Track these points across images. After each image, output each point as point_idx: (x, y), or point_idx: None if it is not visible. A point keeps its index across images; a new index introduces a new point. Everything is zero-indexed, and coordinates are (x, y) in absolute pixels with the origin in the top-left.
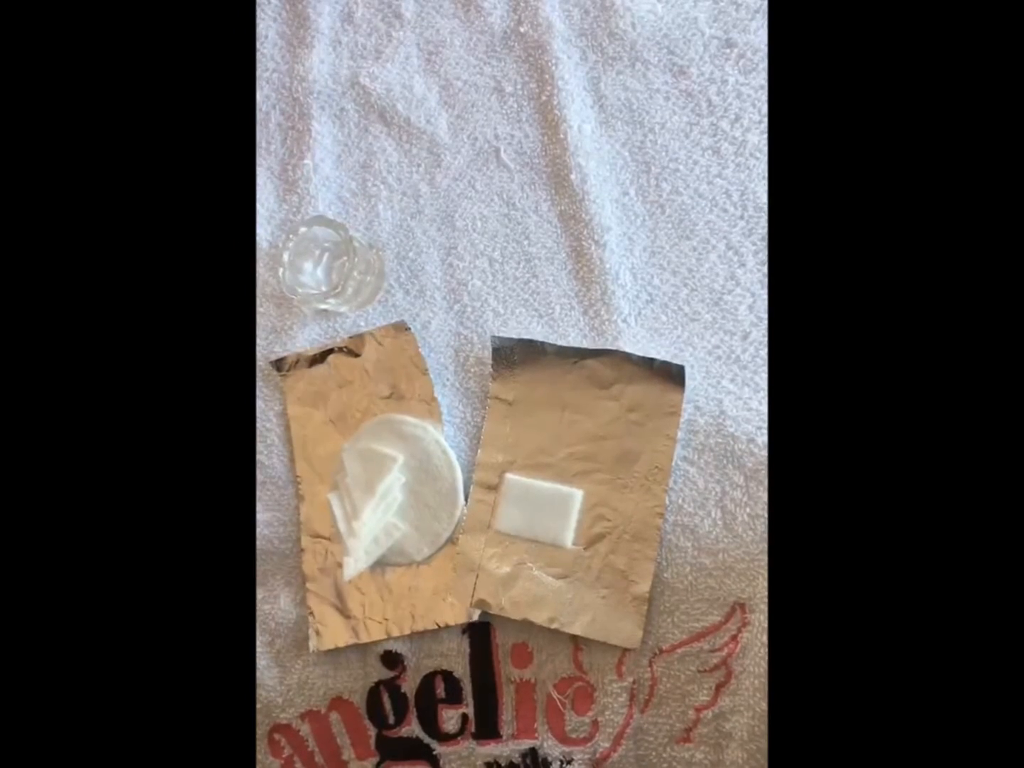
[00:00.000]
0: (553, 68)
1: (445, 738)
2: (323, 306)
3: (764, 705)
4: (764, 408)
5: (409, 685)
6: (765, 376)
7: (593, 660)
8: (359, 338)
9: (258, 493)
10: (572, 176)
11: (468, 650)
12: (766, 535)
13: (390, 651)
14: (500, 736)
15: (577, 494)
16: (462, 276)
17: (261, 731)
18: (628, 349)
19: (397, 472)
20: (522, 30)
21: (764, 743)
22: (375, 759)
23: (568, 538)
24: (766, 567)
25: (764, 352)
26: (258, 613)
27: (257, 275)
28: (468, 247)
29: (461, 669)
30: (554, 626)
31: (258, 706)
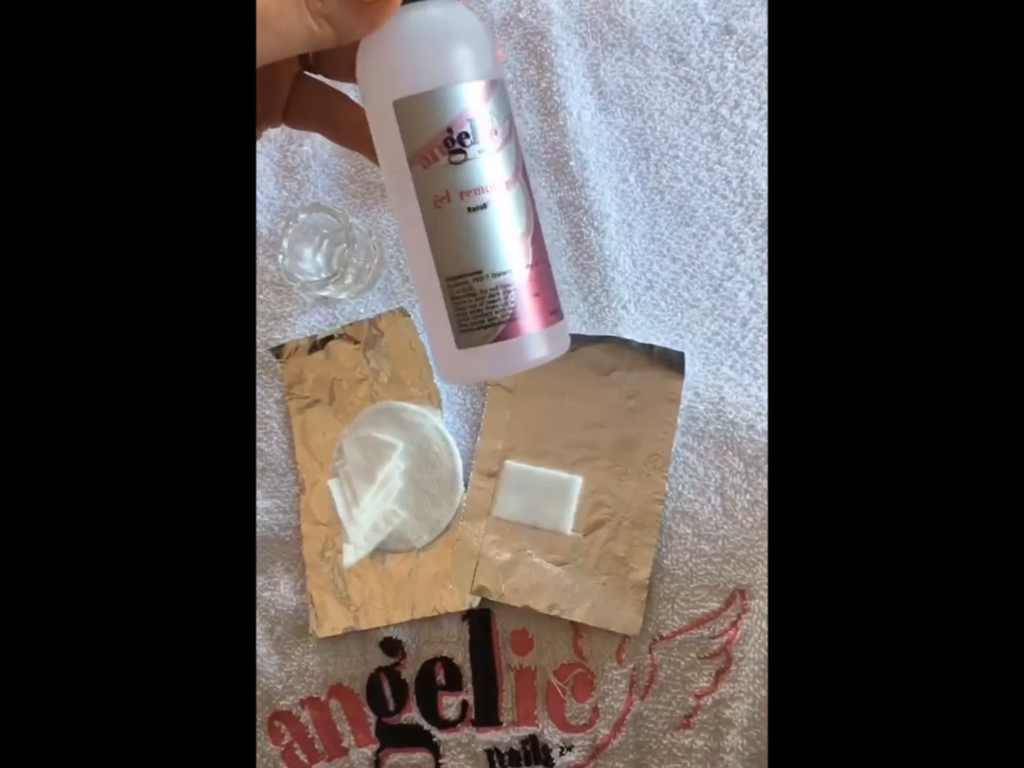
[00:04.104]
0: (552, 55)
1: (445, 725)
2: (322, 293)
3: (764, 692)
4: (764, 395)
5: (409, 672)
6: (765, 363)
7: (593, 647)
8: (359, 325)
9: (258, 480)
10: (571, 163)
11: (468, 637)
12: (766, 521)
13: (390, 638)
14: (500, 723)
15: (577, 481)
16: None
17: (261, 718)
18: (628, 336)
19: (397, 459)
20: (521, 16)
21: (764, 730)
22: (375, 746)
23: (568, 525)
24: (766, 553)
25: (764, 339)
26: (258, 600)
27: (256, 262)
28: None
29: (461, 656)
30: (554, 613)
31: (258, 693)
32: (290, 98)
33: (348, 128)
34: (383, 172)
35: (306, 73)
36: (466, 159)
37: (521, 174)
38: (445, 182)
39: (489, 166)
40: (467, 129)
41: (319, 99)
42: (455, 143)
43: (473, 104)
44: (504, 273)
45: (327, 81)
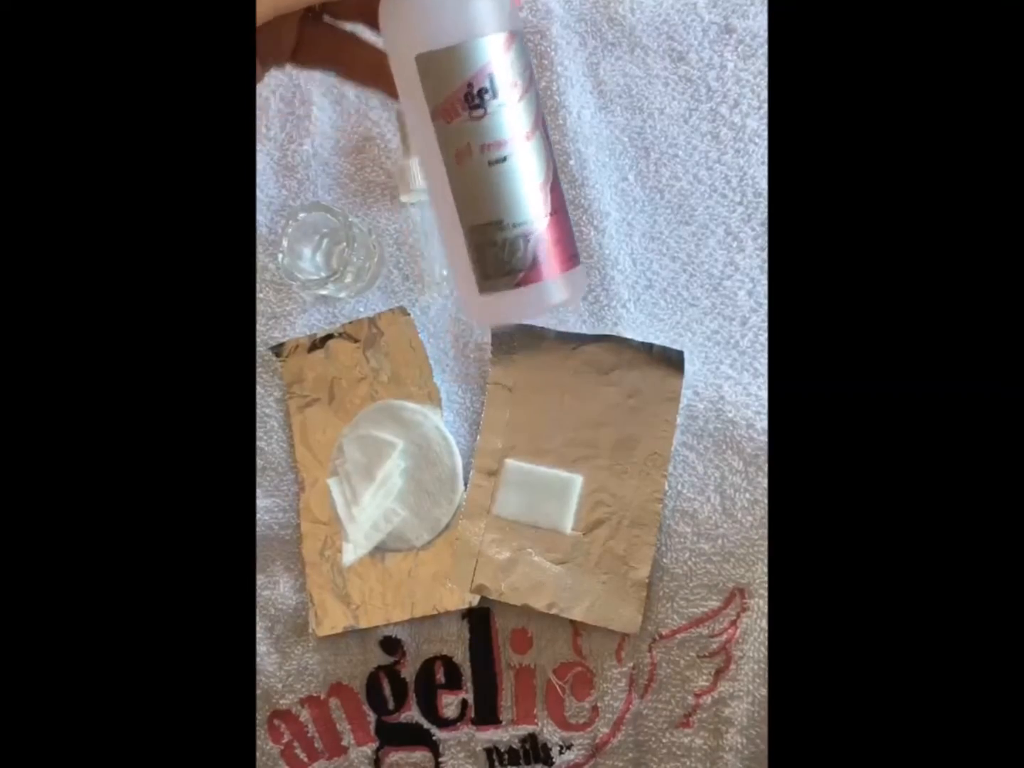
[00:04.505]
0: (552, 54)
1: (445, 723)
2: (322, 292)
3: (764, 691)
4: (763, 393)
5: (409, 671)
6: (764, 361)
7: (592, 645)
8: (358, 323)
9: (258, 479)
10: (571, 162)
11: (468, 635)
12: (765, 520)
13: (389, 636)
14: (500, 721)
15: (577, 479)
16: None
17: (261, 717)
18: (627, 334)
19: (396, 458)
20: (521, 15)
21: (764, 728)
22: (375, 744)
23: (567, 524)
24: (765, 552)
25: (763, 337)
26: (258, 599)
27: (256, 261)
28: None
29: (461, 654)
30: (554, 611)
31: (258, 692)
32: (298, 39)
33: (362, 66)
34: (408, 121)
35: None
36: (486, 114)
37: (540, 124)
38: (466, 136)
39: (509, 119)
40: (486, 84)
41: (328, 39)
42: (475, 98)
43: (494, 57)
44: (524, 223)
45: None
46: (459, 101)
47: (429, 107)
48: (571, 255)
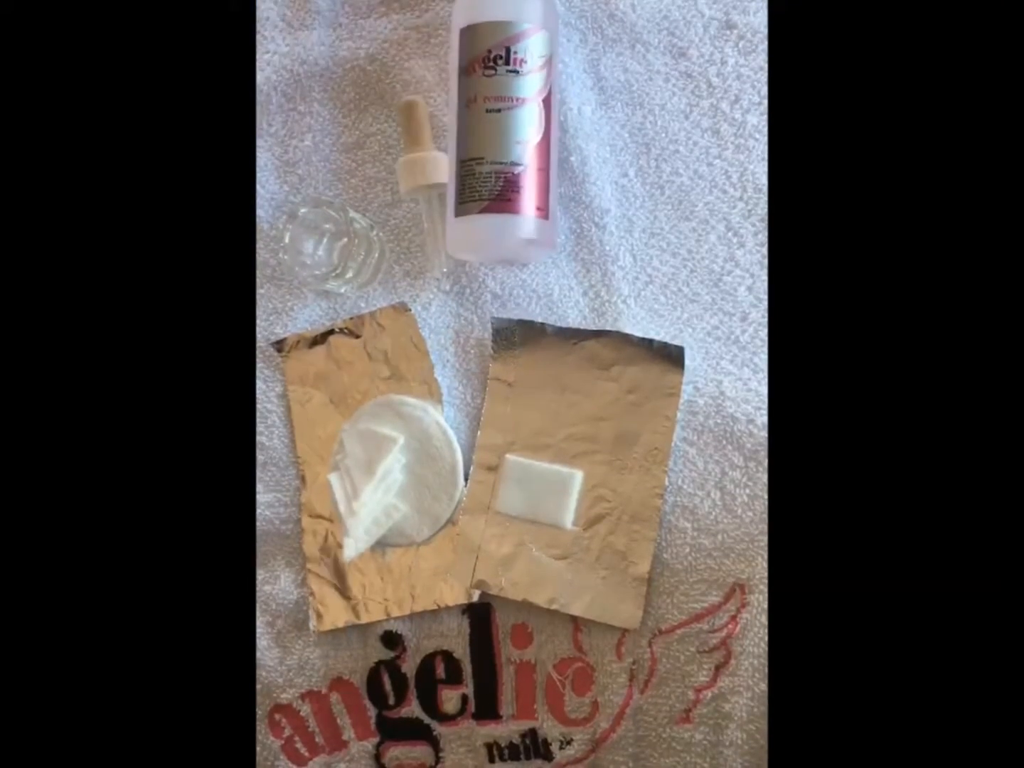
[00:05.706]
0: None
1: (445, 718)
2: (324, 287)
3: (763, 686)
4: (763, 389)
5: (409, 665)
6: (764, 357)
7: (593, 641)
8: (360, 319)
9: (259, 474)
10: (572, 159)
11: (468, 631)
12: (765, 516)
13: (390, 631)
14: (500, 717)
15: (577, 475)
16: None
17: (262, 711)
18: (628, 330)
19: (397, 453)
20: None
21: (763, 724)
22: (375, 739)
23: (568, 519)
24: (765, 548)
25: (763, 333)
26: (259, 594)
27: (257, 256)
28: None
29: (461, 650)
30: (554, 607)
31: (258, 687)
32: None
33: None
34: (451, 78)
35: None
36: (495, 75)
37: (539, 100)
38: (475, 88)
39: (511, 84)
40: (501, 54)
41: None
42: (490, 62)
43: (513, 38)
44: (500, 163)
45: None
46: (479, 62)
47: (460, 65)
48: (539, 206)
